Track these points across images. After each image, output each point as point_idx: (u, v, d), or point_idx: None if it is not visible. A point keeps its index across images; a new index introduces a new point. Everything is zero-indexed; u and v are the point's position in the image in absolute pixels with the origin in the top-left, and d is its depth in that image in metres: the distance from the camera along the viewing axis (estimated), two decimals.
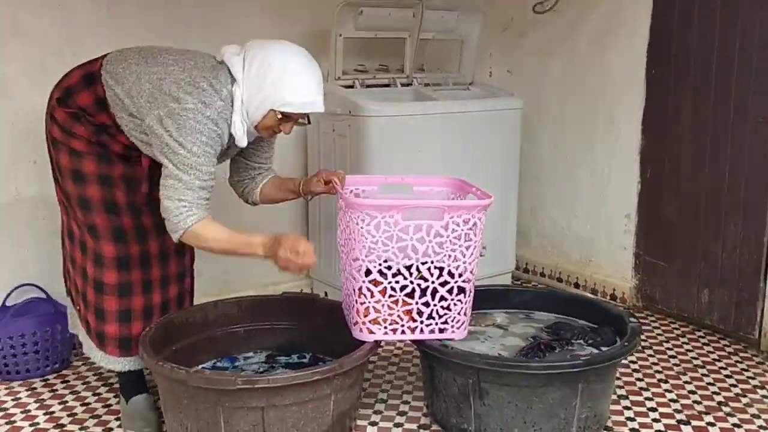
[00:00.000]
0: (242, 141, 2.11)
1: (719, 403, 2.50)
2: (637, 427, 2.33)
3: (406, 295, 2.17)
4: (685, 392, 2.57)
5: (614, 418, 2.38)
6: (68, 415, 2.40)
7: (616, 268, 3.45)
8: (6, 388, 2.58)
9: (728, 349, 2.94)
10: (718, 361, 2.83)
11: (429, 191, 2.44)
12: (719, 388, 2.61)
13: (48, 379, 2.65)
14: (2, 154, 2.68)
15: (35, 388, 2.59)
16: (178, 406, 2.06)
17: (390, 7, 3.27)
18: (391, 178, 2.48)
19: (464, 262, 2.17)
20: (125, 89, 2.08)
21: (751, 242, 2.91)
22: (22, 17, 2.65)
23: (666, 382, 2.65)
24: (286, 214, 3.37)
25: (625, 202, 3.37)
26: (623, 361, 2.77)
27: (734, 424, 2.35)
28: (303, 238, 2.09)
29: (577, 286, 3.60)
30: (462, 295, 2.20)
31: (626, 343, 2.20)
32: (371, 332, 2.18)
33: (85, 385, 2.62)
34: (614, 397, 2.49)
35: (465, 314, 2.24)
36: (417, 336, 2.21)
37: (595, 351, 2.32)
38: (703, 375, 2.71)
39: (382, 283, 2.14)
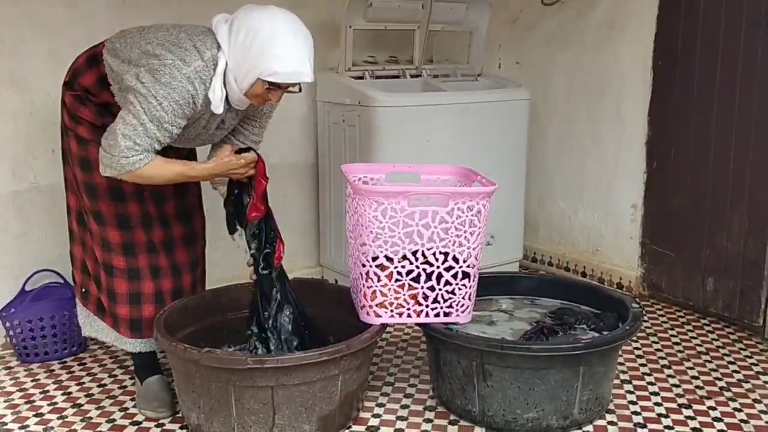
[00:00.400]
0: (218, 107, 2.07)
1: (721, 388, 2.54)
2: (638, 410, 2.38)
3: (411, 279, 2.23)
4: (687, 377, 2.61)
5: (617, 401, 2.43)
6: (85, 396, 2.48)
7: (622, 257, 3.49)
8: (25, 370, 2.67)
9: (732, 337, 2.98)
10: (722, 347, 2.87)
11: (435, 179, 2.49)
12: (722, 373, 2.65)
13: (66, 362, 2.74)
14: (21, 144, 2.76)
15: (53, 370, 2.67)
16: (190, 386, 2.13)
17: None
18: (398, 167, 2.53)
19: (468, 248, 2.22)
20: (119, 61, 2.12)
21: (755, 231, 2.94)
22: (39, 11, 2.72)
23: (669, 367, 2.69)
24: (297, 201, 3.43)
25: (632, 193, 3.41)
26: (627, 347, 2.82)
27: (735, 408, 2.39)
28: (233, 156, 2.19)
29: (584, 275, 3.64)
30: (466, 279, 2.26)
31: (627, 327, 2.25)
32: (378, 315, 2.24)
33: (101, 368, 2.70)
34: (617, 381, 2.53)
35: (469, 299, 2.29)
36: (422, 319, 2.27)
37: (597, 335, 2.37)
38: (706, 361, 2.75)
39: (388, 267, 2.21)
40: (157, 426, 2.30)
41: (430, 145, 3.13)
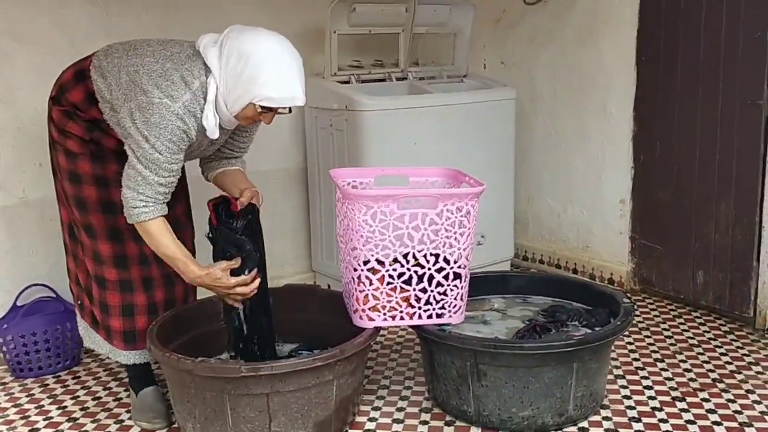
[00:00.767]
0: (213, 133, 2.08)
1: (714, 380, 2.55)
2: (633, 404, 2.39)
3: (403, 282, 2.23)
4: (680, 370, 2.63)
5: (611, 396, 2.44)
6: (80, 409, 2.48)
7: (612, 252, 3.51)
8: (20, 385, 2.66)
9: (724, 328, 3.00)
10: (714, 339, 2.89)
11: (424, 182, 2.50)
12: (714, 365, 2.67)
13: (60, 376, 2.73)
14: (9, 158, 2.76)
15: (47, 385, 2.66)
16: (185, 396, 2.13)
17: (383, 3, 3.33)
18: (386, 170, 2.54)
19: (459, 249, 2.23)
20: (107, 82, 2.12)
21: (743, 222, 2.96)
22: (20, 23, 2.72)
23: (662, 361, 2.71)
24: (287, 207, 3.44)
25: (620, 188, 3.43)
26: (620, 342, 2.84)
27: (728, 400, 2.41)
28: (225, 275, 2.17)
29: (575, 271, 3.66)
30: (458, 280, 2.26)
31: (618, 323, 2.26)
32: (371, 319, 2.25)
33: (95, 381, 2.69)
34: (611, 376, 2.55)
35: (461, 299, 2.30)
36: (415, 321, 2.27)
37: (589, 331, 2.38)
38: (698, 354, 2.77)
39: (380, 271, 2.21)
40: None
41: (417, 148, 3.14)
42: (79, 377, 2.72)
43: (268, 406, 2.05)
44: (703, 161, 3.07)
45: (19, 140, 2.76)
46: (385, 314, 2.25)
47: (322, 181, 3.31)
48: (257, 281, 2.22)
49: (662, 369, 2.65)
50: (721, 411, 2.34)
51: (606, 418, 2.31)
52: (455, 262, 2.24)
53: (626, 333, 2.90)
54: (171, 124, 2.02)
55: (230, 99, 2.06)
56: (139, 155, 2.03)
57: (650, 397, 2.44)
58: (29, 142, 2.76)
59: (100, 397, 2.56)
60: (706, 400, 2.41)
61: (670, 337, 2.93)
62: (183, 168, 2.44)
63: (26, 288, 2.78)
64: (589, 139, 3.52)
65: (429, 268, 2.22)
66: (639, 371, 2.63)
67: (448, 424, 2.30)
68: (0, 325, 2.69)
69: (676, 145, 3.17)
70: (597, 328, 2.38)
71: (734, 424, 2.26)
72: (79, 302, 2.42)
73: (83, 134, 2.20)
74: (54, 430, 2.35)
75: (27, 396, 2.58)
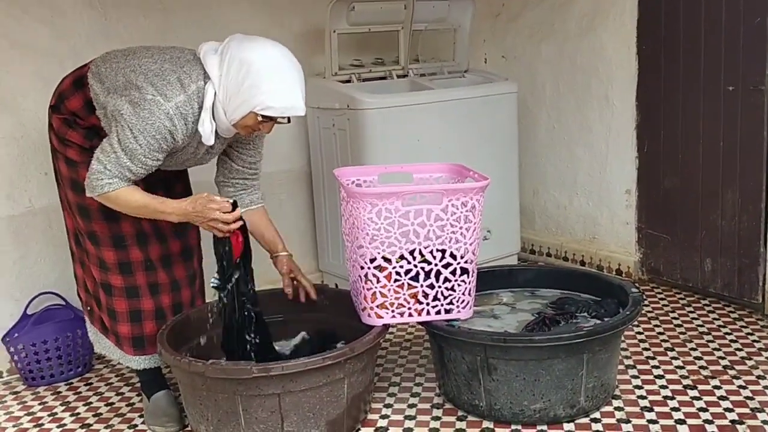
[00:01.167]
0: (209, 140, 2.09)
1: (725, 366, 2.55)
2: (644, 394, 2.39)
3: (410, 278, 2.23)
4: (691, 358, 2.63)
5: (622, 386, 2.44)
6: (93, 416, 2.49)
7: (619, 243, 3.51)
8: (32, 394, 2.67)
9: (733, 315, 2.99)
10: (723, 327, 2.89)
11: (428, 178, 2.50)
12: (724, 352, 2.66)
13: (72, 383, 2.74)
14: (15, 168, 2.77)
15: (60, 392, 2.68)
16: (198, 399, 2.14)
17: (381, 1, 3.32)
18: (390, 167, 2.54)
19: (465, 244, 2.23)
20: (104, 87, 2.13)
21: (749, 209, 2.95)
22: (20, 31, 2.72)
23: (672, 350, 2.71)
24: (292, 208, 3.44)
25: (625, 178, 3.42)
26: (630, 332, 2.84)
27: (740, 386, 2.41)
28: (214, 196, 2.12)
29: (582, 263, 3.65)
30: (465, 275, 2.27)
31: (627, 313, 2.26)
32: (379, 316, 2.25)
33: (108, 386, 2.70)
34: (621, 366, 2.55)
35: (469, 294, 2.30)
36: (423, 317, 2.28)
37: (599, 322, 2.38)
38: (708, 341, 2.76)
39: (387, 268, 2.21)
40: None
41: (421, 144, 3.14)
42: (91, 383, 2.74)
43: (280, 406, 2.06)
44: (708, 149, 3.06)
45: (24, 149, 2.77)
46: (393, 311, 2.26)
47: (326, 181, 3.31)
48: (239, 222, 2.15)
49: (673, 358, 2.64)
50: (732, 398, 2.34)
51: (618, 408, 2.31)
52: (462, 258, 2.24)
53: (636, 323, 2.90)
54: (159, 122, 2.02)
55: (230, 107, 2.07)
56: (120, 137, 2.03)
57: (662, 386, 2.44)
58: (34, 151, 2.77)
59: (112, 403, 2.57)
60: (718, 387, 2.41)
61: (679, 326, 2.92)
62: (185, 170, 2.45)
63: (36, 296, 2.79)
64: (592, 131, 3.52)
65: (436, 264, 2.23)
66: (650, 360, 2.63)
67: (460, 419, 2.31)
68: (11, 334, 2.71)
69: (680, 133, 3.16)
70: (606, 319, 2.38)
71: (746, 410, 2.26)
72: (89, 308, 2.43)
73: (83, 142, 2.21)
74: None
75: (40, 404, 2.59)
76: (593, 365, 2.21)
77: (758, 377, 2.46)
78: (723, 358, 2.61)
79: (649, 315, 3.04)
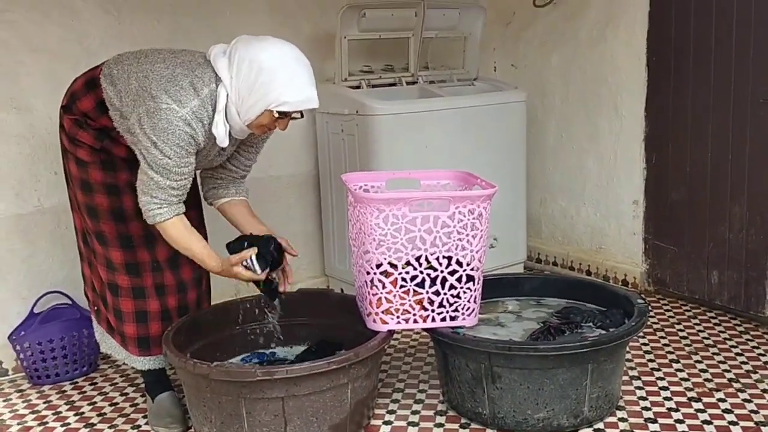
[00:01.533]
0: (223, 141, 2.11)
1: (730, 379, 2.54)
2: (648, 405, 2.39)
3: (416, 285, 2.24)
4: (696, 371, 2.62)
5: (626, 397, 2.43)
6: (98, 415, 2.49)
7: (626, 253, 3.50)
8: (37, 392, 2.68)
9: (739, 328, 2.98)
10: (729, 340, 2.88)
11: (436, 184, 2.50)
12: (730, 365, 2.65)
13: (77, 382, 2.75)
14: (24, 167, 2.78)
15: (65, 391, 2.69)
16: (202, 401, 2.14)
17: (392, 8, 3.34)
18: (398, 173, 2.55)
19: (471, 251, 2.23)
20: (117, 89, 2.14)
21: (756, 222, 2.95)
22: (34, 32, 2.74)
23: (677, 362, 2.70)
24: (300, 212, 3.45)
25: (633, 189, 3.42)
26: (635, 343, 2.83)
27: (745, 400, 2.40)
28: (239, 268, 2.20)
29: (588, 273, 3.65)
30: (471, 283, 2.27)
31: (633, 324, 2.26)
32: (384, 322, 2.25)
33: (112, 387, 2.71)
34: (626, 377, 2.54)
35: (475, 301, 2.30)
36: (428, 324, 2.28)
37: (604, 332, 2.37)
38: (714, 354, 2.76)
39: (392, 274, 2.22)
40: None
41: (429, 151, 3.15)
42: (96, 383, 2.74)
43: (283, 410, 2.06)
44: (716, 161, 3.06)
45: (35, 149, 2.79)
46: (398, 317, 2.26)
47: (333, 185, 3.32)
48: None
49: (678, 369, 2.63)
50: (737, 411, 2.33)
51: (622, 419, 2.30)
52: (468, 265, 2.24)
53: (641, 334, 2.89)
54: (178, 129, 2.04)
55: (244, 107, 2.08)
56: (149, 161, 2.05)
57: (666, 398, 2.43)
58: (44, 151, 2.79)
59: (117, 403, 2.58)
60: (722, 400, 2.40)
61: (685, 338, 2.92)
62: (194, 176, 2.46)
63: (43, 295, 2.80)
64: (601, 141, 3.52)
65: (442, 271, 2.23)
66: (654, 372, 2.62)
67: (463, 426, 2.30)
68: (17, 333, 2.72)
69: (689, 145, 3.16)
70: (612, 329, 2.37)
71: (750, 424, 2.25)
72: (95, 308, 2.44)
73: (93, 143, 2.22)
74: None
75: (44, 402, 2.60)
76: (598, 375, 2.21)
77: (764, 391, 2.45)
78: (728, 371, 2.60)
79: (655, 326, 3.03)
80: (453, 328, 2.29)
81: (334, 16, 3.17)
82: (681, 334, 2.96)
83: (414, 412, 2.40)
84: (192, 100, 2.06)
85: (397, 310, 2.25)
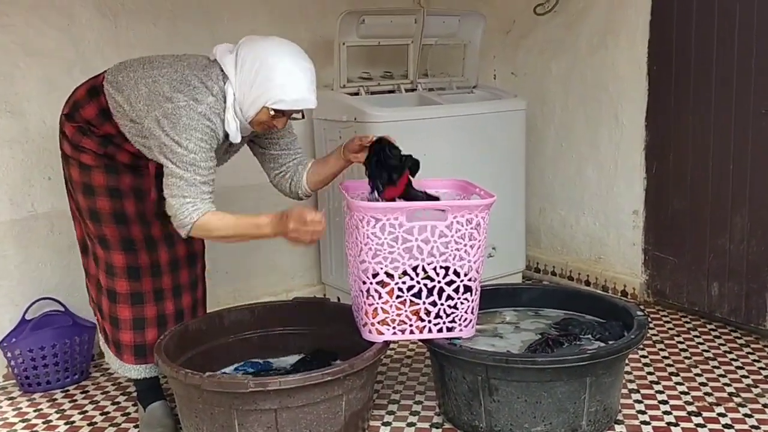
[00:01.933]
0: (236, 137, 2.13)
1: (730, 393, 2.51)
2: (647, 419, 2.35)
3: (413, 295, 2.21)
4: (696, 384, 2.59)
5: (625, 411, 2.40)
6: (88, 424, 2.46)
7: (625, 264, 3.47)
8: (28, 400, 2.65)
9: (739, 341, 2.95)
10: (729, 353, 2.84)
11: (434, 193, 2.47)
12: (730, 379, 2.62)
13: (68, 390, 2.72)
14: (18, 172, 2.75)
15: (56, 399, 2.65)
16: (193, 411, 2.11)
17: (392, 15, 3.32)
18: None
19: (469, 261, 2.20)
20: (125, 96, 2.14)
21: (757, 234, 2.92)
22: (30, 36, 2.72)
23: (677, 375, 2.67)
24: None
25: (633, 199, 3.39)
26: (634, 356, 2.80)
27: (745, 414, 2.36)
28: (310, 208, 2.11)
29: (588, 283, 3.62)
30: (468, 293, 2.24)
31: (632, 336, 2.23)
32: (380, 333, 2.22)
33: (104, 395, 2.67)
34: (625, 391, 2.51)
35: (472, 312, 2.27)
36: (425, 335, 2.24)
37: (603, 345, 2.34)
38: (714, 367, 2.72)
39: (389, 284, 2.19)
40: None
41: (427, 159, 3.07)
42: (88, 392, 2.71)
43: (276, 422, 2.03)
44: (717, 171, 3.03)
45: (28, 153, 2.76)
46: (394, 328, 2.23)
47: (330, 193, 3.29)
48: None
49: (677, 383, 2.60)
50: (738, 426, 2.29)
51: None
52: (465, 275, 2.21)
53: (640, 346, 2.86)
54: (200, 124, 2.04)
55: (245, 104, 2.10)
56: (175, 161, 2.04)
57: (665, 412, 2.40)
58: (38, 156, 2.76)
59: (108, 412, 2.54)
60: (723, 415, 2.37)
61: (684, 350, 2.88)
62: None
63: (35, 302, 2.77)
64: (601, 150, 3.49)
65: (439, 281, 2.20)
66: (654, 385, 2.59)
67: None
68: (8, 339, 2.68)
69: (690, 154, 3.13)
70: (610, 342, 2.34)
71: None
72: (97, 317, 2.42)
73: (97, 149, 2.22)
74: None
75: (35, 410, 2.57)
76: (596, 389, 2.18)
77: (764, 405, 2.42)
78: (729, 385, 2.57)
79: (654, 338, 3.00)
80: (450, 339, 2.26)
81: (333, 22, 3.15)
82: (681, 346, 2.92)
83: (410, 425, 2.37)
84: (207, 96, 2.07)
85: (393, 321, 2.22)
